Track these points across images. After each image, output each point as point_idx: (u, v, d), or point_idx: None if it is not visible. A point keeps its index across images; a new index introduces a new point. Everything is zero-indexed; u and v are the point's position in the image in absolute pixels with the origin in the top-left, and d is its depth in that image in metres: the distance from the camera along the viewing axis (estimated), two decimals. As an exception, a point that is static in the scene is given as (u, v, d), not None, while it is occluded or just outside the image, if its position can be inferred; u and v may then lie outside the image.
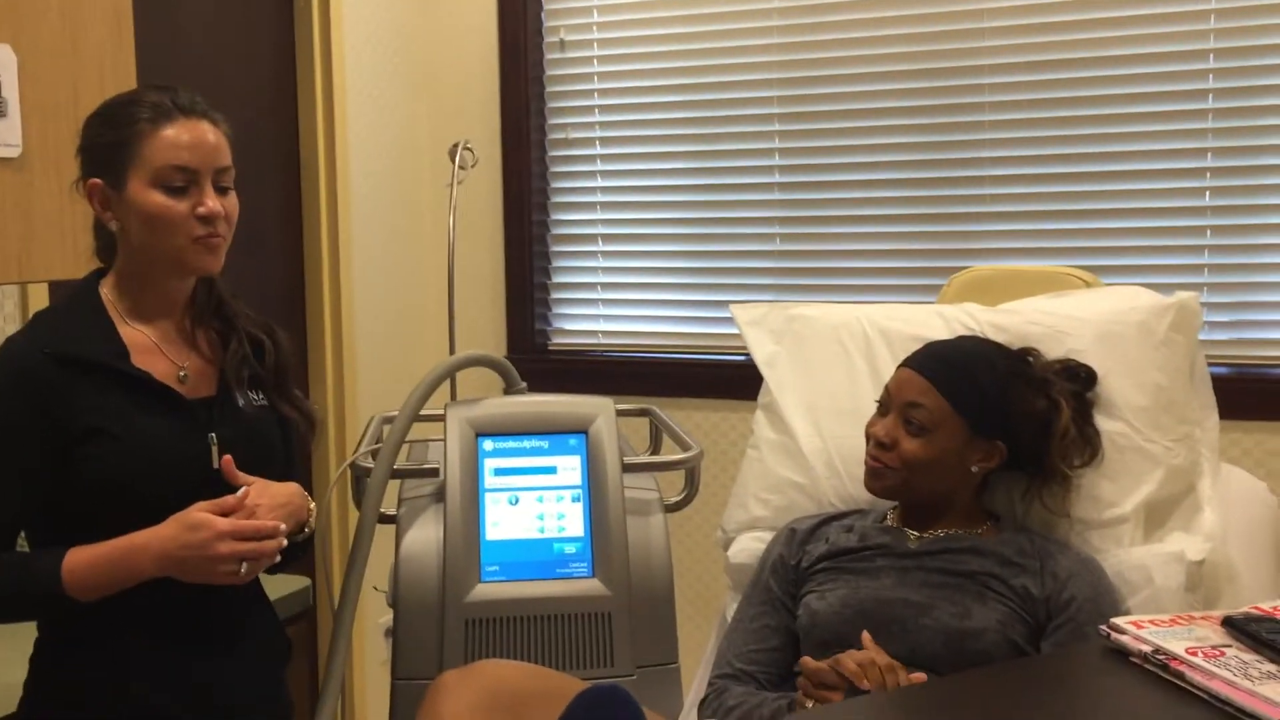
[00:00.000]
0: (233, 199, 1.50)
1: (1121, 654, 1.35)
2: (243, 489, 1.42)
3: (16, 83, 1.76)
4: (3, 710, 1.51)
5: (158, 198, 1.43)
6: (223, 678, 1.49)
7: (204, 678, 1.47)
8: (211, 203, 1.44)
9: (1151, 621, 1.37)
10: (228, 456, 1.41)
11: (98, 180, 1.45)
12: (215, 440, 1.45)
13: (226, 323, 1.56)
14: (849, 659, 1.49)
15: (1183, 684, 1.24)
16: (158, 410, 1.44)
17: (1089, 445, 1.79)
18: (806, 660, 1.53)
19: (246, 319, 1.58)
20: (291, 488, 1.51)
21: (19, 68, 1.76)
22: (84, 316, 1.46)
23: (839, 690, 1.46)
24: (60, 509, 1.40)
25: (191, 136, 1.44)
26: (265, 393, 1.57)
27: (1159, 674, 1.28)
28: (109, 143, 1.44)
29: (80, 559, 1.35)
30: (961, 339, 1.85)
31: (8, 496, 1.37)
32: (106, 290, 1.49)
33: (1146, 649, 1.31)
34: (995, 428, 1.72)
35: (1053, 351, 1.86)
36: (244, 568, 1.38)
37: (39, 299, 2.14)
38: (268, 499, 1.44)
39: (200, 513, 1.37)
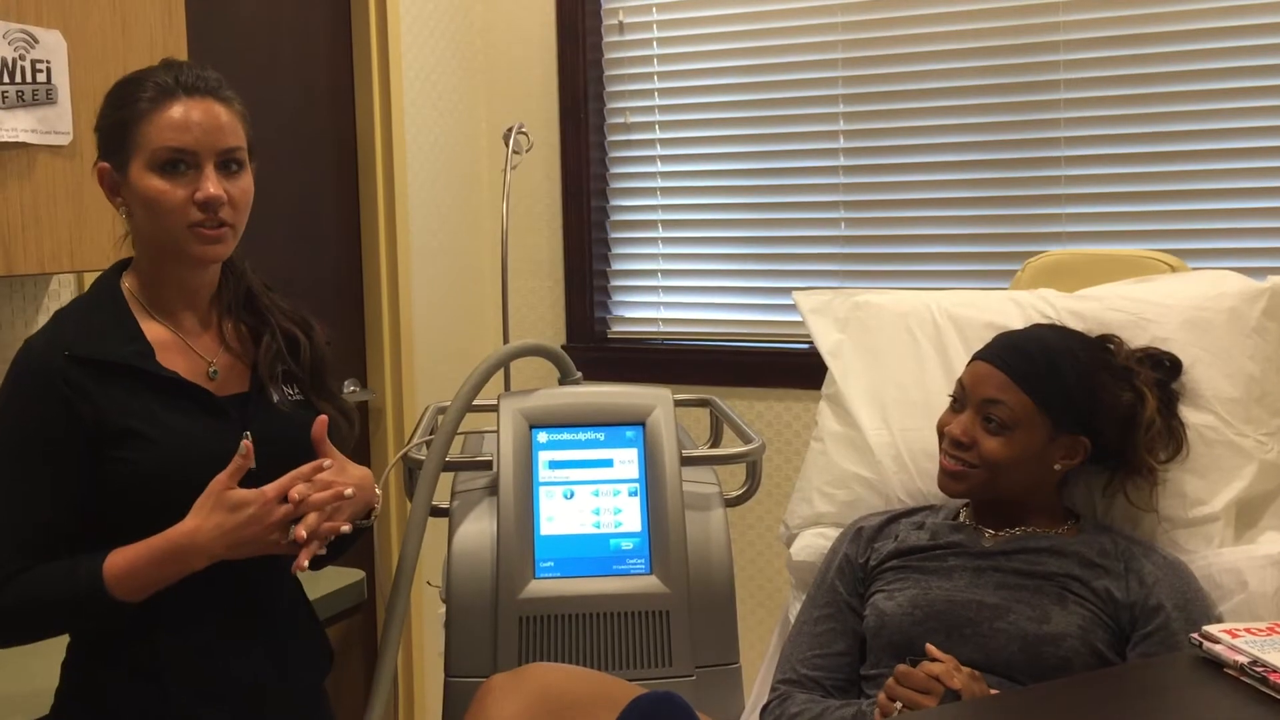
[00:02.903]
0: (243, 181, 1.41)
1: (1214, 665, 1.28)
2: (316, 462, 1.37)
3: (67, 69, 1.75)
4: (36, 714, 1.49)
5: (155, 182, 1.36)
6: (258, 683, 1.45)
7: (239, 683, 1.43)
8: (212, 188, 1.36)
9: (1247, 630, 1.31)
10: (247, 442, 1.34)
11: (105, 164, 1.40)
12: (250, 438, 1.38)
13: (258, 316, 1.50)
14: (933, 667, 1.42)
15: (1284, 700, 1.17)
16: (189, 410, 1.39)
17: (1174, 438, 1.70)
18: (902, 667, 1.46)
19: (281, 313, 1.52)
20: (364, 471, 1.46)
21: (69, 54, 1.75)
22: (105, 313, 1.40)
23: (932, 696, 1.39)
24: (91, 512, 1.36)
25: (191, 116, 1.36)
26: (302, 390, 1.52)
27: (1257, 687, 1.21)
28: (113, 123, 1.39)
29: (120, 562, 1.32)
30: (1037, 328, 1.76)
31: (39, 502, 1.33)
32: (128, 282, 1.44)
33: (1243, 660, 1.24)
34: (1079, 423, 1.64)
35: (1136, 340, 1.77)
36: (292, 532, 1.33)
37: (95, 288, 2.13)
38: (343, 477, 1.39)
39: (233, 491, 1.32)
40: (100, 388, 1.34)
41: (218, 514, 1.31)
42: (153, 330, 1.42)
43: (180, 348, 1.43)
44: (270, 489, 1.32)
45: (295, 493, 1.34)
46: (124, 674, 1.39)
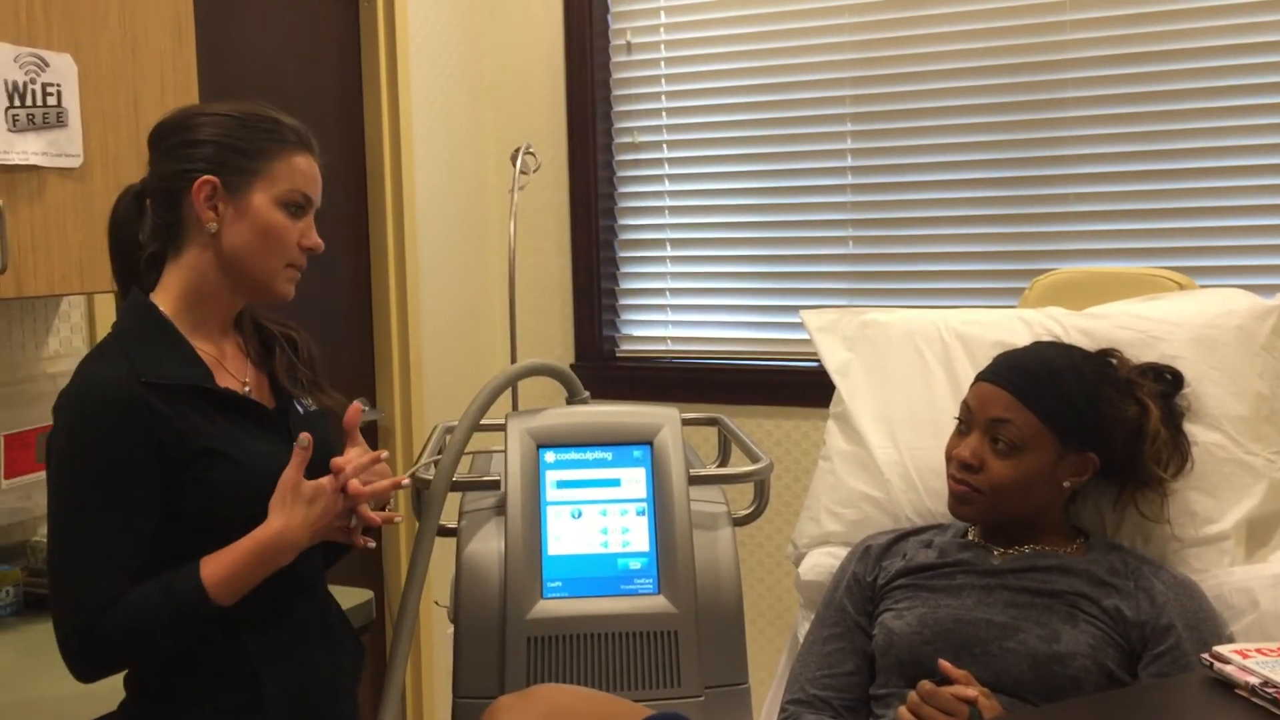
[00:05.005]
0: None
1: (1225, 685, 1.27)
2: (375, 454, 1.47)
3: (77, 92, 1.76)
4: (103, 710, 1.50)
5: (280, 217, 1.45)
6: (318, 684, 1.49)
7: (302, 682, 1.46)
8: (318, 239, 1.49)
9: (1259, 650, 1.30)
10: (306, 435, 1.41)
11: (214, 178, 1.43)
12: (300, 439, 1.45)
13: (262, 330, 1.56)
14: (955, 688, 1.42)
15: (1296, 721, 1.16)
16: (254, 427, 1.45)
17: (1179, 452, 1.69)
18: (928, 685, 1.45)
19: (272, 321, 1.58)
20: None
21: (79, 77, 1.76)
22: (161, 339, 1.43)
23: (957, 717, 1.38)
24: (162, 535, 1.38)
25: (314, 171, 1.49)
26: (310, 391, 1.57)
27: (1269, 709, 1.20)
28: (246, 149, 1.44)
29: (217, 569, 1.36)
30: (1038, 346, 1.76)
31: (127, 529, 1.35)
32: (165, 306, 1.46)
33: (1254, 681, 1.23)
34: (1086, 439, 1.63)
35: (1144, 358, 1.76)
36: (353, 520, 1.45)
37: (105, 308, 2.14)
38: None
39: (306, 484, 1.39)
40: (177, 411, 1.37)
41: (299, 507, 1.38)
42: (200, 352, 1.45)
43: (220, 368, 1.47)
44: (328, 482, 1.40)
45: (353, 485, 1.42)
46: (214, 678, 1.41)
